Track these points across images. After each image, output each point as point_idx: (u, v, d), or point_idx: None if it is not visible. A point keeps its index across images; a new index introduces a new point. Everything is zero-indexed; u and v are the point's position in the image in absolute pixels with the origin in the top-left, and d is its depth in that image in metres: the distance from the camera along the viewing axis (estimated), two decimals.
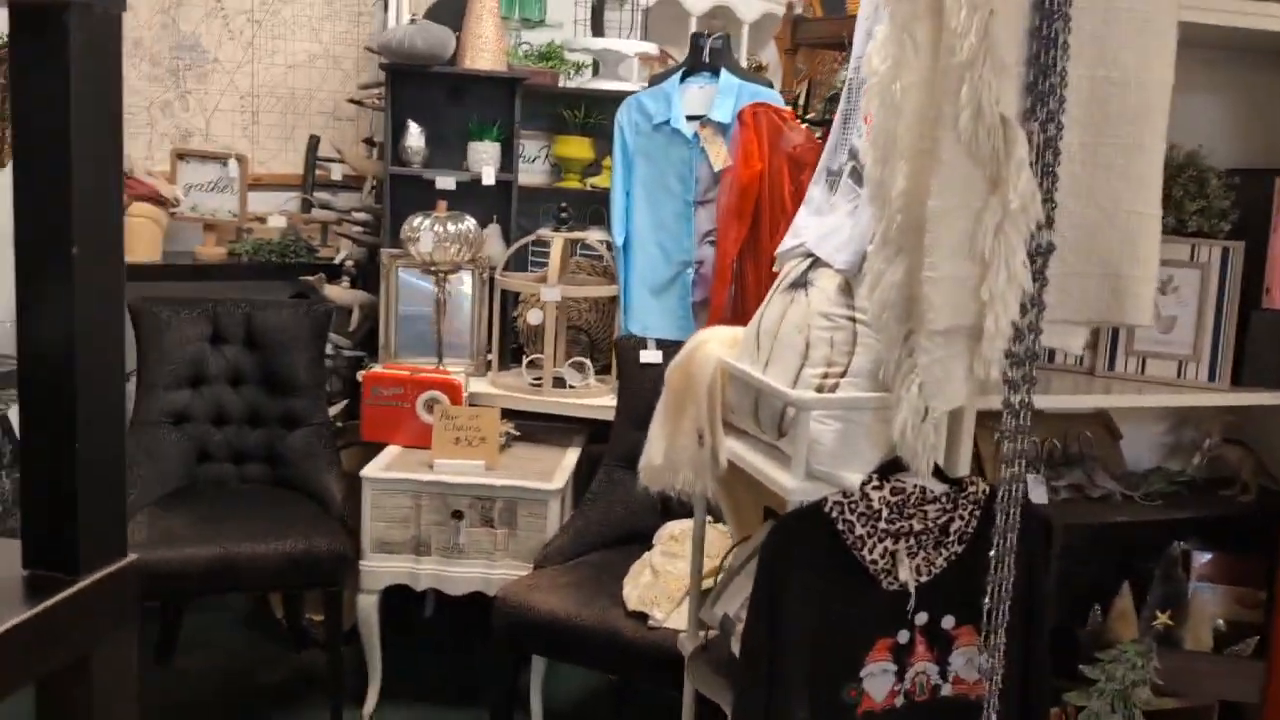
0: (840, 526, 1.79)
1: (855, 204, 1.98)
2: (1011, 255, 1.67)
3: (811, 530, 1.79)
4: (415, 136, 3.56)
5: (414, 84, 3.57)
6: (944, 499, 1.83)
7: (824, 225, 2.04)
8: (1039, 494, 2.17)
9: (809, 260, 2.02)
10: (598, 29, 3.81)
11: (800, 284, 1.99)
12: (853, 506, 1.79)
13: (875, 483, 1.79)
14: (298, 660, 3.44)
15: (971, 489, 1.85)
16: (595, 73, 3.92)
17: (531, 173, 3.83)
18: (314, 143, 4.05)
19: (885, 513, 1.80)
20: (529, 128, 3.84)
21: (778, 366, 1.94)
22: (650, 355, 3.11)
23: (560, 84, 3.84)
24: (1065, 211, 1.76)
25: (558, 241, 3.35)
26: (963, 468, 1.92)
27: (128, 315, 3.28)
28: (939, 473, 1.82)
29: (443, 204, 3.41)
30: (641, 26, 4.25)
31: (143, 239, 3.65)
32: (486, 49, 3.50)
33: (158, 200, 3.68)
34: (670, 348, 3.08)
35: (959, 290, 1.70)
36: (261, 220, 4.00)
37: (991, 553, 1.78)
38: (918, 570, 1.83)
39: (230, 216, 3.89)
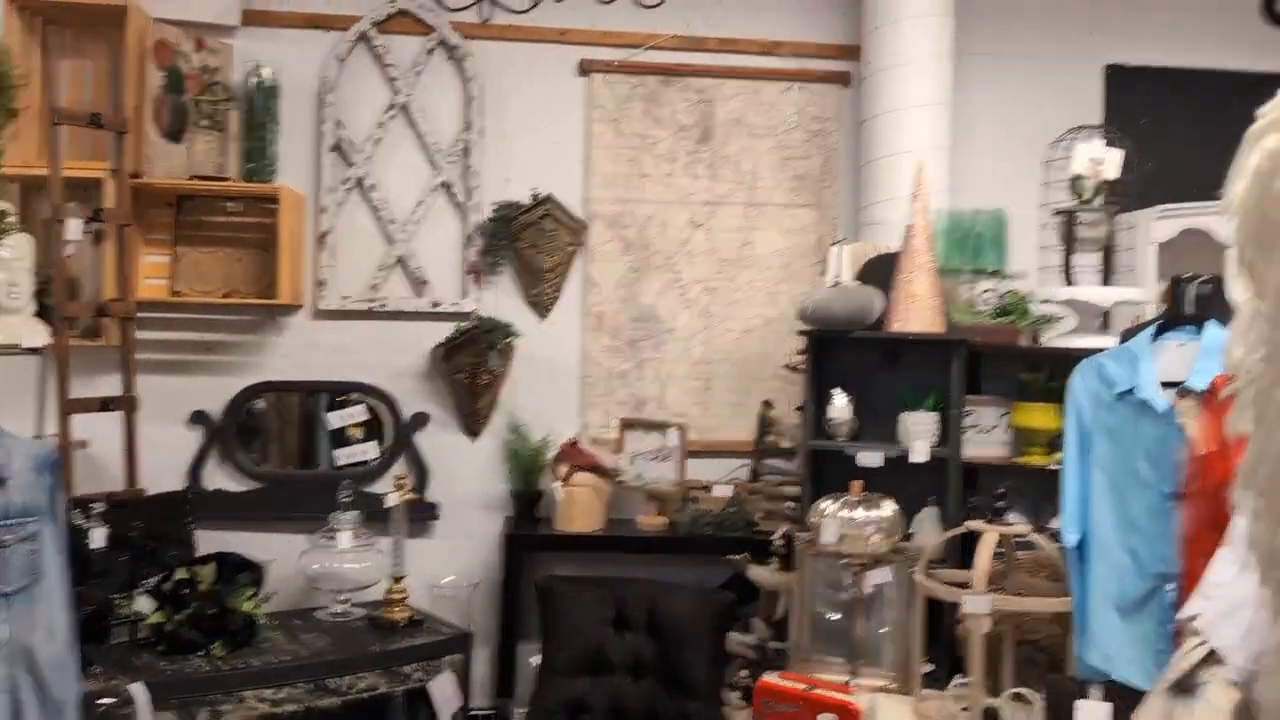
0: None
1: None
2: None
3: None
4: (840, 408, 3.18)
5: (841, 349, 3.23)
6: None
7: (1234, 592, 1.29)
8: None
9: (1206, 648, 1.29)
10: (1069, 276, 3.19)
11: (1188, 687, 1.26)
12: None
13: None
14: None
15: None
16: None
17: (987, 444, 3.23)
18: (767, 408, 3.85)
19: None
20: (989, 392, 3.28)
21: None
22: (1093, 710, 2.30)
23: (1026, 341, 3.26)
24: None
25: (989, 537, 2.71)
26: None
27: (532, 594, 3.24)
28: None
29: (857, 484, 2.96)
30: (1153, 269, 3.51)
31: (581, 508, 3.66)
32: (918, 309, 3.06)
33: (599, 470, 3.68)
34: (1132, 699, 2.27)
35: None
36: (706, 489, 3.84)
37: None
38: None
39: (670, 486, 3.77)
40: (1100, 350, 2.80)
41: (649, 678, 3.12)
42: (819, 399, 3.25)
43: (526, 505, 3.83)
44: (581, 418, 3.96)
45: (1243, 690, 1.15)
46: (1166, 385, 2.56)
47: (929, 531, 3.05)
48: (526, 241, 3.83)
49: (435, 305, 3.88)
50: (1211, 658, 1.25)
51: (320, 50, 3.87)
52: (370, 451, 3.89)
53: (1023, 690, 2.71)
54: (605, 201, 3.94)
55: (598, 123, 3.95)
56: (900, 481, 3.08)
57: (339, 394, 3.88)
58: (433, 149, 3.89)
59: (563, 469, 3.68)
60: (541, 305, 3.93)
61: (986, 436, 3.24)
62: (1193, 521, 2.30)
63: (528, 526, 3.78)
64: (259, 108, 3.75)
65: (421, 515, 3.80)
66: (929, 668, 2.94)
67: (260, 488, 3.82)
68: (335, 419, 3.88)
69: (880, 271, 3.29)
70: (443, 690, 3.27)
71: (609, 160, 3.95)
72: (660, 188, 3.97)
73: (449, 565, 3.84)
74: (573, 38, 3.97)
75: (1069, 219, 3.16)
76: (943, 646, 3.03)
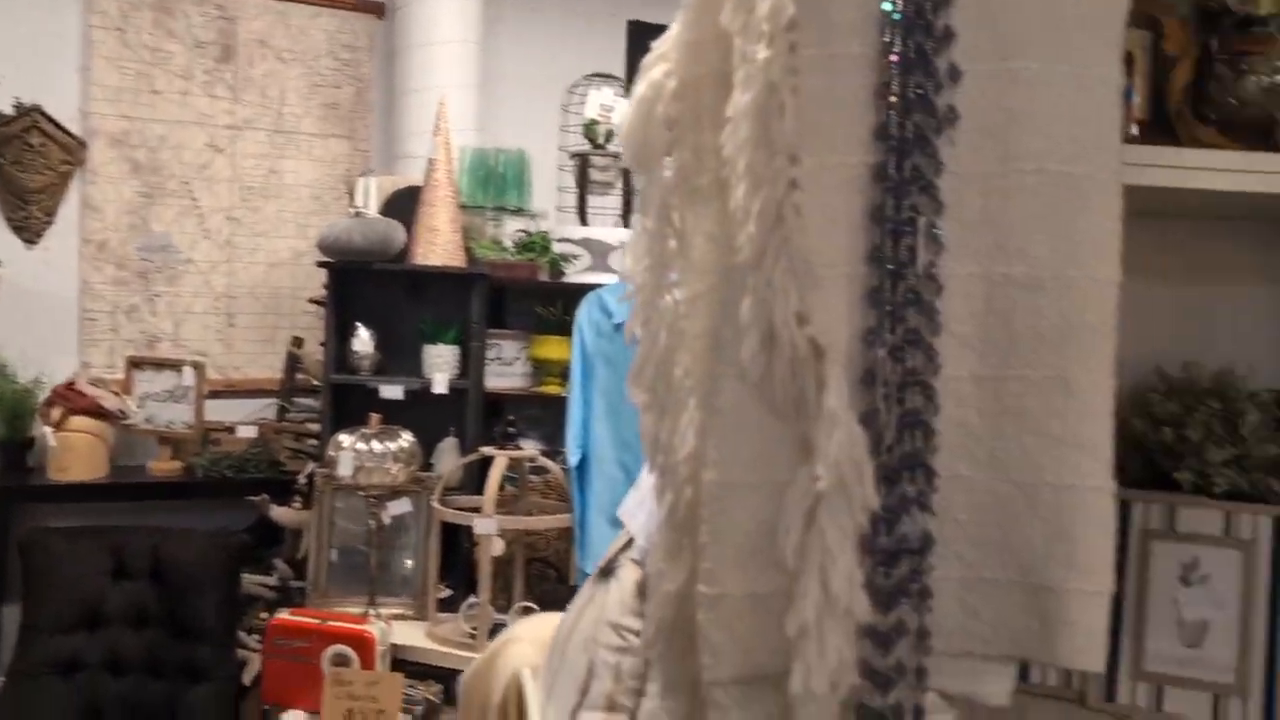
0: None
1: None
2: (829, 562, 1.03)
3: None
4: (363, 341, 3.15)
5: (364, 282, 3.20)
6: None
7: (649, 482, 1.44)
8: None
9: (628, 535, 1.42)
10: (584, 216, 3.38)
11: (609, 570, 1.39)
12: None
13: None
14: None
15: None
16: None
17: (509, 376, 3.35)
18: (295, 345, 3.72)
19: None
20: (512, 326, 3.40)
21: (557, 699, 1.32)
22: None
23: (546, 277, 3.41)
24: (958, 483, 1.12)
25: (499, 461, 2.82)
26: None
27: (15, 549, 2.93)
28: None
29: (375, 418, 2.96)
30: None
31: (79, 455, 3.34)
32: (440, 243, 3.10)
33: (100, 413, 3.38)
34: None
35: (755, 617, 1.07)
36: (229, 431, 3.65)
37: None
38: None
39: (186, 429, 3.55)
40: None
41: (153, 627, 2.93)
42: (342, 332, 3.20)
43: (14, 454, 3.42)
44: (81, 356, 3.59)
45: (642, 567, 1.29)
46: None
47: (450, 461, 3.12)
48: (9, 158, 3.38)
49: None
50: (631, 543, 1.39)
51: None
52: None
53: (530, 604, 2.88)
54: (108, 117, 3.57)
55: (99, 29, 3.55)
56: (424, 413, 3.12)
57: None
58: None
59: (56, 413, 3.33)
60: (29, 230, 3.50)
61: (509, 368, 3.36)
62: None
63: (15, 478, 3.39)
64: None
65: None
66: (447, 593, 3.03)
67: None
68: None
69: (407, 205, 3.28)
70: None
71: (113, 72, 3.58)
72: (174, 107, 3.67)
73: None
74: None
75: (583, 162, 3.34)
76: (462, 571, 3.12)
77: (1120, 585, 1.41)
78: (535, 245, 3.42)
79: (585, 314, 2.88)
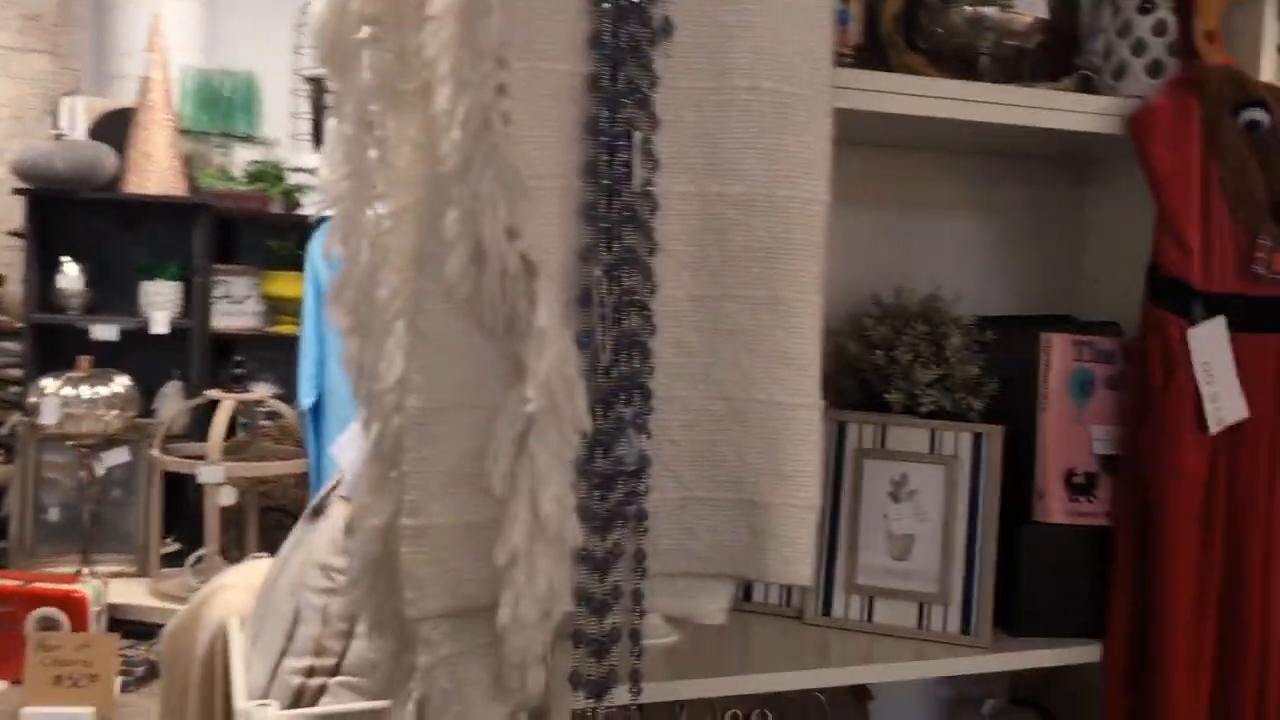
0: None
1: None
2: (540, 486, 0.99)
3: None
4: (70, 277, 2.87)
5: (72, 212, 2.91)
6: None
7: None
8: None
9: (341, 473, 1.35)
10: (320, 143, 3.19)
11: (320, 510, 1.31)
12: None
13: None
14: None
15: None
16: None
17: (240, 315, 3.15)
18: None
19: None
20: (243, 261, 3.19)
21: (263, 646, 1.23)
22: None
23: (280, 209, 3.21)
24: (674, 404, 1.10)
25: (226, 405, 2.65)
26: None
27: None
28: None
29: (85, 360, 2.71)
30: None
31: None
32: (156, 170, 2.85)
33: None
34: None
35: (463, 548, 1.02)
36: None
37: None
38: None
39: None
40: None
41: None
42: (46, 268, 2.90)
43: None
44: None
45: (351, 504, 1.22)
46: None
47: (173, 406, 2.91)
48: None
49: None
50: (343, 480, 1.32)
51: None
52: None
53: (264, 555, 2.73)
54: None
55: None
56: (143, 355, 2.90)
57: None
58: None
59: None
60: None
61: (239, 306, 3.16)
62: None
63: None
64: None
65: None
66: (174, 547, 2.84)
67: None
68: None
69: (119, 128, 3.00)
70: None
71: None
72: None
73: None
74: None
75: (319, 86, 3.14)
76: (190, 523, 2.93)
77: (836, 503, 1.46)
78: (267, 175, 3.21)
79: (319, 247, 2.72)
